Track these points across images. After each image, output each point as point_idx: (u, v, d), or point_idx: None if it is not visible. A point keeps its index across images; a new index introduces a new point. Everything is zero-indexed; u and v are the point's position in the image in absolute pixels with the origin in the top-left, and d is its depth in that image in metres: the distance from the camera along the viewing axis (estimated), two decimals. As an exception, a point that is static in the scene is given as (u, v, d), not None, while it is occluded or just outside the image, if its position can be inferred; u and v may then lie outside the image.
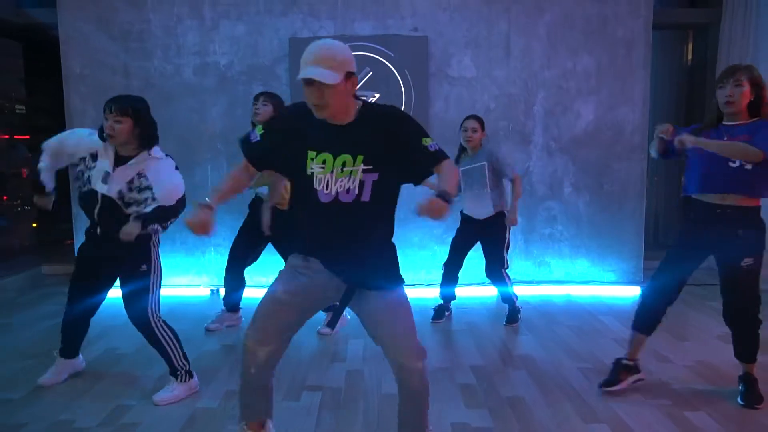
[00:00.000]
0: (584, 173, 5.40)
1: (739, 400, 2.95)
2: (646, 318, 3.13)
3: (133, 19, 5.20)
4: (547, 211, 5.44)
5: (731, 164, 2.79)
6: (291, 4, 5.17)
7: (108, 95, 5.30)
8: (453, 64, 5.30)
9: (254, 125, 3.93)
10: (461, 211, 4.37)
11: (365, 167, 2.06)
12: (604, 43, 5.27)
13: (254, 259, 4.26)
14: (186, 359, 3.11)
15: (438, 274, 5.33)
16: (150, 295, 3.03)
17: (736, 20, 5.55)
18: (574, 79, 5.31)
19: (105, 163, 2.92)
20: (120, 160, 2.93)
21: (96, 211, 2.95)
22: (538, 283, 5.38)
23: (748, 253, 2.85)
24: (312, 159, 2.08)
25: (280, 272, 2.28)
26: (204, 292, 5.28)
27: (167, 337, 3.06)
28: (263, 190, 3.94)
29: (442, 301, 4.55)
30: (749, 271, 2.87)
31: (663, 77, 6.91)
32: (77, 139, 3.06)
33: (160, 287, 3.10)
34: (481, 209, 4.23)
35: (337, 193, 2.07)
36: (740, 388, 2.99)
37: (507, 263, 4.33)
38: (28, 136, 7.10)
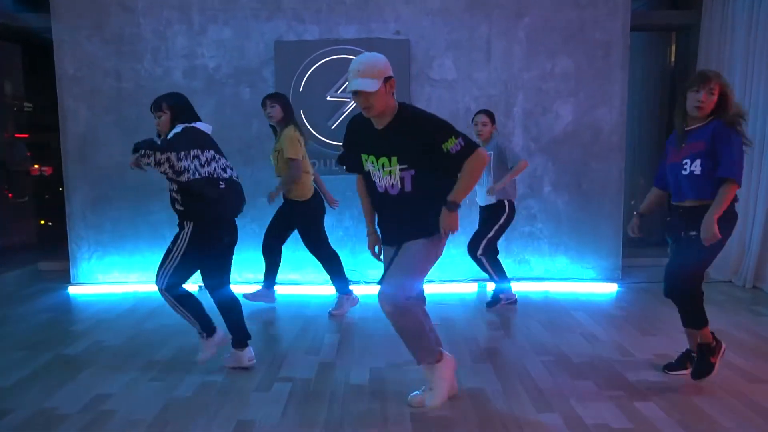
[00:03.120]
0: (563, 173, 5.53)
1: (690, 374, 3.20)
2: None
3: (124, 23, 5.37)
4: (527, 210, 5.57)
5: (683, 172, 3.04)
6: (276, 9, 5.33)
7: (100, 96, 5.54)
8: (434, 66, 5.44)
9: (272, 127, 4.50)
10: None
11: (401, 166, 2.60)
12: (582, 46, 5.39)
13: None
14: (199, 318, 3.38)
15: (436, 275, 5.47)
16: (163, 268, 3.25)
17: (714, 22, 5.66)
18: (553, 80, 5.44)
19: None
20: None
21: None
22: (518, 280, 5.51)
23: (696, 229, 3.00)
24: (365, 160, 2.72)
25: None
26: (192, 288, 5.43)
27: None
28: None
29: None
30: (691, 242, 3.03)
31: (647, 79, 7.04)
32: None
33: (177, 262, 3.23)
34: (484, 196, 4.57)
35: (385, 187, 2.68)
36: (695, 363, 3.21)
37: (482, 249, 4.60)
38: (27, 134, 7.33)
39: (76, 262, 5.64)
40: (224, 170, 3.26)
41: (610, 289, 5.38)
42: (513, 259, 5.59)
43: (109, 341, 4.01)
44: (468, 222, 5.53)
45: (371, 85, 2.51)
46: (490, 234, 4.58)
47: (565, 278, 5.58)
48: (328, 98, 5.35)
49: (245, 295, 4.76)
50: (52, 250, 6.62)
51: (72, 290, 5.44)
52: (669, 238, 3.26)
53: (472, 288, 5.40)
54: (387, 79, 2.58)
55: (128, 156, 5.40)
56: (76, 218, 5.61)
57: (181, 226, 3.26)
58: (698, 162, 3.00)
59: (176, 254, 3.23)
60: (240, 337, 3.44)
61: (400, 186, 2.63)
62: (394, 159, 2.59)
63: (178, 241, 3.24)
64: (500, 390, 3.17)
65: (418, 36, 5.39)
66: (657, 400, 3.01)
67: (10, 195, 7.11)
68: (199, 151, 3.15)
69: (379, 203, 2.78)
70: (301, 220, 4.54)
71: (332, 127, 5.42)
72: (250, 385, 3.24)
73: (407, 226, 2.72)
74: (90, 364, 3.59)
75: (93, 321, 4.50)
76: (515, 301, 4.84)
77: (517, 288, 5.39)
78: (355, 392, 3.15)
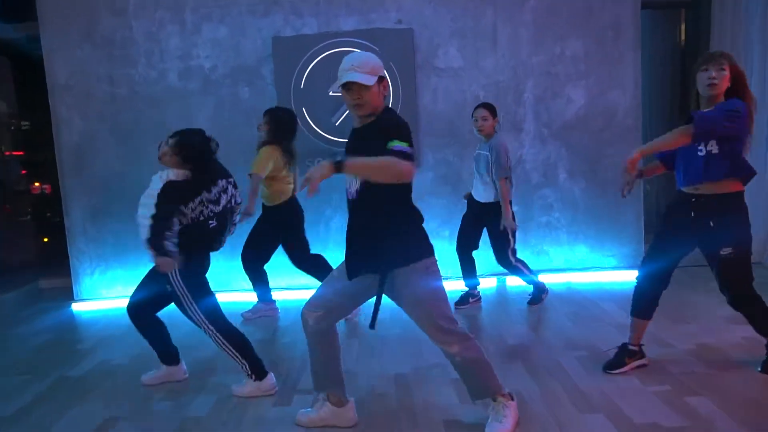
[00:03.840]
0: (578, 159, 5.32)
1: (758, 367, 3.01)
2: (643, 303, 3.15)
3: (115, 26, 5.16)
4: (542, 199, 5.37)
5: (699, 153, 2.82)
6: (272, 3, 5.12)
7: (93, 104, 5.34)
8: (440, 55, 5.23)
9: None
10: (470, 192, 4.47)
11: None
12: (591, 27, 5.18)
13: (267, 260, 4.47)
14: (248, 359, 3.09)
15: (452, 271, 5.27)
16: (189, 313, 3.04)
17: (726, -4, 5.44)
18: (562, 64, 5.23)
19: None
20: None
21: None
22: (538, 272, 5.28)
23: (726, 242, 2.84)
24: None
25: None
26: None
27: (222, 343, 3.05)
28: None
29: (467, 288, 4.61)
30: (730, 261, 2.86)
31: (656, 59, 6.81)
32: None
33: (197, 301, 3.02)
34: (482, 193, 4.32)
35: (352, 193, 2.42)
36: (765, 356, 3.02)
37: (514, 250, 4.39)
38: (22, 152, 7.13)
39: (79, 278, 5.44)
40: (216, 202, 3.03)
41: (634, 276, 5.14)
42: (531, 250, 5.38)
43: (116, 360, 3.79)
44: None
45: (367, 79, 2.28)
46: (512, 245, 4.36)
47: (586, 268, 5.37)
48: (330, 93, 5.13)
49: (243, 314, 4.51)
50: (54, 268, 6.40)
51: (75, 307, 5.22)
52: (668, 224, 3.02)
53: (490, 283, 5.19)
54: (381, 79, 2.36)
55: (126, 166, 5.23)
56: (76, 232, 5.41)
57: None
58: (714, 141, 2.77)
59: (183, 294, 3.00)
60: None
61: (357, 187, 2.38)
62: None
63: (174, 284, 2.99)
64: (536, 390, 2.96)
65: (421, 25, 5.18)
66: (709, 394, 2.79)
67: (8, 210, 6.91)
68: (182, 206, 2.96)
69: (348, 217, 2.48)
70: (267, 226, 4.32)
71: (336, 123, 5.21)
72: (268, 399, 3.03)
73: (371, 240, 2.40)
74: (96, 386, 3.37)
75: (98, 339, 4.29)
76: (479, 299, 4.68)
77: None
78: (382, 402, 2.94)
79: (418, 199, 5.28)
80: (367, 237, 2.41)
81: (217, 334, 3.02)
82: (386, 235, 2.38)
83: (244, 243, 4.38)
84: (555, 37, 5.21)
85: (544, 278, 5.19)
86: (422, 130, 5.24)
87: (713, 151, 2.78)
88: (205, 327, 3.02)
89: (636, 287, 3.18)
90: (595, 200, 5.35)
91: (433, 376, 3.21)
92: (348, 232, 2.48)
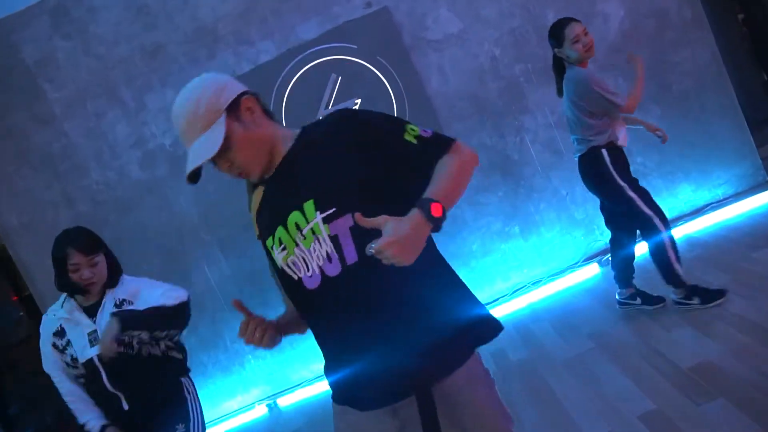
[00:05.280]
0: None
1: None
2: None
3: (48, 138, 4.24)
4: (615, 148, 4.27)
5: None
6: (213, 41, 4.14)
7: (58, 234, 4.40)
8: (429, 25, 4.18)
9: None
10: (610, 144, 3.20)
11: (325, 214, 1.35)
12: None
13: None
14: None
15: (519, 275, 4.27)
16: None
17: None
18: (581, -23, 4.13)
19: (79, 324, 2.28)
20: (89, 310, 2.32)
21: (106, 383, 2.25)
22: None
23: None
24: (272, 247, 1.45)
25: None
26: (260, 411, 4.28)
27: None
28: None
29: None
30: None
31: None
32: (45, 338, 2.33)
33: None
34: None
35: (319, 273, 1.37)
36: None
37: None
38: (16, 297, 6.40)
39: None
40: None
41: (762, 199, 4.03)
42: (624, 213, 4.28)
43: None
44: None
45: (210, 145, 1.41)
46: None
47: (699, 210, 4.24)
48: (321, 118, 4.13)
49: None
50: None
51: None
52: None
53: (591, 272, 4.11)
54: (232, 107, 1.42)
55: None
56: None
57: (178, 396, 2.38)
58: None
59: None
60: None
61: (337, 254, 1.35)
62: (309, 206, 1.37)
63: (193, 413, 2.38)
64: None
65: (396, -2, 4.14)
66: None
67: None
68: None
69: (322, 321, 1.44)
70: None
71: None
72: None
73: (402, 332, 1.36)
74: None
75: None
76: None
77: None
78: None
79: (468, 203, 4.30)
80: (401, 321, 1.36)
81: None
82: (429, 309, 1.38)
83: None
84: (559, -50, 4.12)
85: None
86: (443, 118, 4.21)
87: None
88: None
89: None
90: (678, 125, 4.23)
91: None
92: (360, 337, 1.38)
